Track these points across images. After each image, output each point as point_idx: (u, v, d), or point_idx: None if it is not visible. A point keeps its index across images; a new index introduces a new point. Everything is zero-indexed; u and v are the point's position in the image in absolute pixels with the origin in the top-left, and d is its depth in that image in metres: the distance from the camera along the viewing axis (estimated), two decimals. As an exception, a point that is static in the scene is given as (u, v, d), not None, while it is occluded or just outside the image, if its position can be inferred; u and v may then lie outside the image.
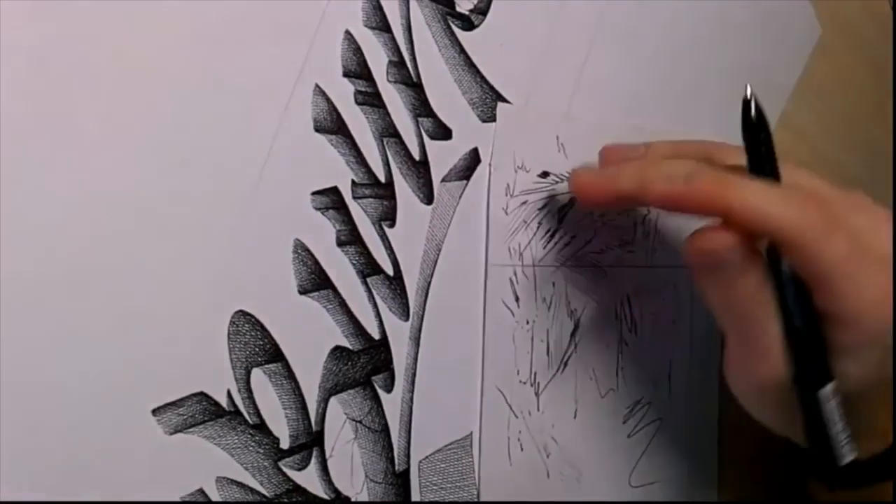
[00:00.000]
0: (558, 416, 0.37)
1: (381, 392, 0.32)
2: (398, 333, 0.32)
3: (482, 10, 0.34)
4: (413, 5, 0.32)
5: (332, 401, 0.31)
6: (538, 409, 0.36)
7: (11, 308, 0.23)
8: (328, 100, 0.30)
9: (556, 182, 0.37)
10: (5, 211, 0.23)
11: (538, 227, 0.36)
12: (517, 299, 0.35)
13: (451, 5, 0.33)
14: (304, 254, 0.30)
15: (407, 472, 0.33)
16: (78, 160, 0.25)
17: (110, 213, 0.25)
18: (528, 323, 0.36)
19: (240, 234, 0.28)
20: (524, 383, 0.35)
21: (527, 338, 0.35)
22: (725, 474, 0.45)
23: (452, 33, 0.33)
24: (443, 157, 0.34)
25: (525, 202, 0.36)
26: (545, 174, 0.36)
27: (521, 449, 0.35)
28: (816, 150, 0.53)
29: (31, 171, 0.24)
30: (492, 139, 0.35)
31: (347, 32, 0.31)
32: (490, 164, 0.35)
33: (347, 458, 0.31)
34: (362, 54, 0.31)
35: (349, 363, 0.31)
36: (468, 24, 0.34)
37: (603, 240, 0.38)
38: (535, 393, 0.36)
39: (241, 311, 0.28)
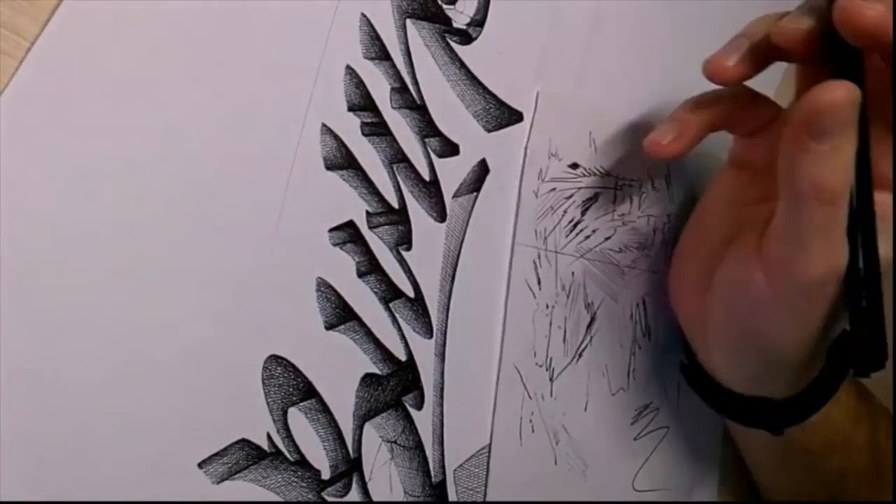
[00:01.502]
0: (570, 405, 0.38)
1: (412, 410, 0.33)
2: (424, 351, 0.34)
3: (479, 22, 0.34)
4: (411, 29, 0.32)
5: (367, 426, 0.32)
6: (551, 395, 0.38)
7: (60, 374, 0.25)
8: (336, 136, 0.31)
9: (584, 175, 0.38)
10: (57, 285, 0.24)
11: (563, 216, 0.38)
12: (539, 282, 0.37)
13: (448, 22, 0.33)
14: (327, 290, 0.31)
15: (443, 482, 0.34)
16: (99, 219, 0.25)
17: (134, 271, 0.26)
18: (547, 307, 0.37)
19: (263, 279, 0.30)
20: (540, 366, 0.37)
21: (545, 322, 0.37)
22: (726, 488, 0.47)
23: (452, 50, 0.34)
24: (452, 173, 0.35)
25: (554, 189, 0.38)
26: (575, 165, 0.38)
27: (533, 430, 0.37)
28: None
29: (67, 233, 0.25)
30: (528, 124, 0.37)
31: (349, 67, 0.31)
32: (526, 147, 0.37)
33: (386, 479, 0.33)
34: (365, 87, 0.31)
35: (380, 388, 0.32)
36: (466, 38, 0.34)
37: (621, 239, 0.40)
38: (550, 378, 0.38)
39: (272, 355, 0.30)
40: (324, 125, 0.31)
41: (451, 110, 0.34)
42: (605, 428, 0.40)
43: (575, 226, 0.38)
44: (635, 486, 0.40)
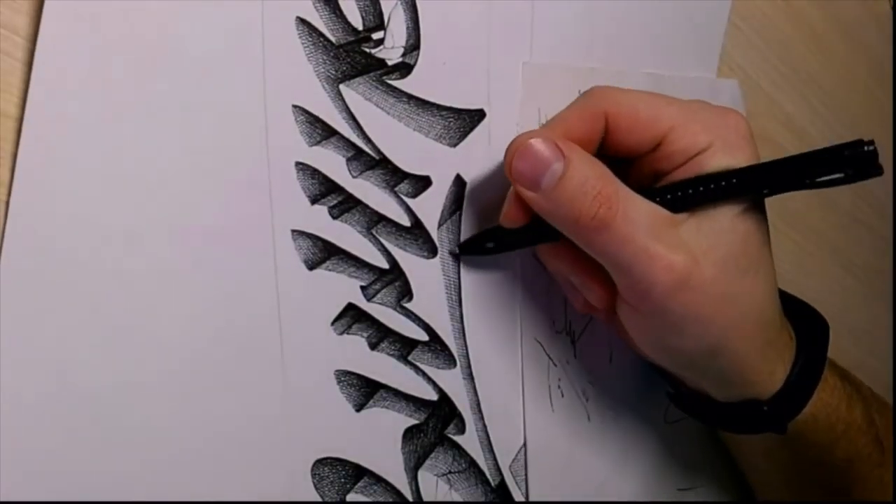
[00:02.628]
0: (595, 362, 0.40)
1: (456, 438, 0.35)
2: (452, 381, 0.35)
3: (413, 46, 0.32)
4: (346, 92, 0.31)
5: (420, 472, 0.34)
6: (575, 357, 0.39)
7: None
8: (308, 235, 0.30)
9: None
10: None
11: None
12: None
13: (382, 64, 0.31)
14: (348, 378, 0.32)
15: (502, 482, 0.37)
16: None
17: (176, 392, 0.28)
18: None
19: (286, 392, 0.30)
20: (560, 333, 0.39)
21: (558, 291, 0.38)
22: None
23: (394, 88, 0.32)
24: (431, 206, 0.34)
25: None
26: None
27: (562, 395, 0.39)
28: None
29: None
30: (517, 102, 0.36)
31: (298, 164, 0.30)
32: (517, 123, 0.36)
33: (452, 505, 0.35)
34: (320, 173, 0.30)
35: (422, 435, 0.34)
36: (405, 68, 0.32)
37: None
38: (572, 341, 0.39)
39: (317, 460, 0.31)
40: (293, 231, 0.30)
41: (412, 147, 0.33)
42: (632, 373, 0.42)
43: None
44: (667, 418, 0.42)
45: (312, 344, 0.31)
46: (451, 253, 0.35)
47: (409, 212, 0.33)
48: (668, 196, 0.32)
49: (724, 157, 0.32)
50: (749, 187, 0.32)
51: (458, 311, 0.35)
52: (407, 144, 0.33)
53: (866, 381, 0.41)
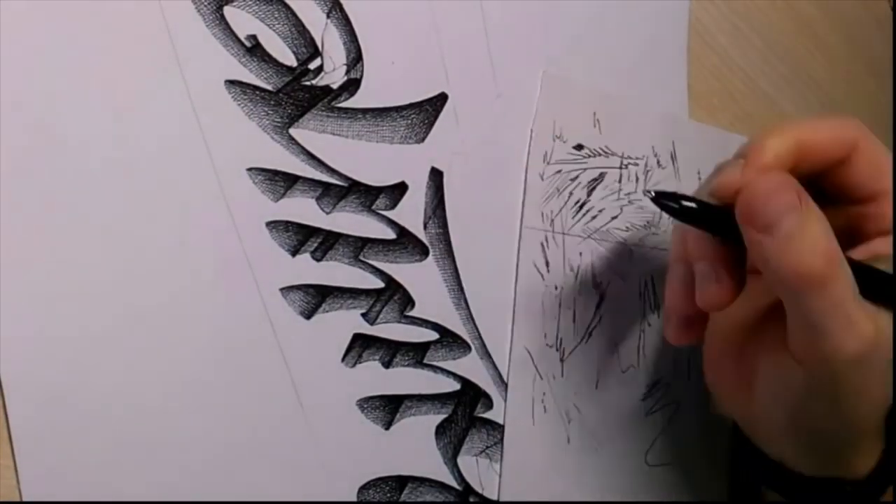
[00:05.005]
0: (581, 384, 0.40)
1: (487, 414, 0.35)
2: (471, 366, 0.35)
3: (355, 59, 0.30)
4: (297, 133, 0.29)
5: (459, 458, 0.35)
6: (562, 375, 0.39)
7: None
8: (299, 287, 0.30)
9: (589, 156, 0.38)
10: None
11: (569, 197, 0.37)
12: (547, 264, 0.37)
13: (328, 90, 0.29)
14: (370, 403, 0.32)
15: (538, 438, 0.37)
16: None
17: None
18: (556, 289, 0.38)
19: (317, 439, 0.31)
20: (550, 347, 0.38)
21: (555, 303, 0.38)
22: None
23: (347, 110, 0.30)
24: (413, 210, 0.33)
25: (559, 171, 0.37)
26: (580, 147, 0.37)
27: (545, 410, 0.39)
28: None
29: None
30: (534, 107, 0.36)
31: (269, 223, 0.28)
32: (532, 130, 0.37)
33: (495, 477, 0.36)
34: (293, 224, 0.29)
35: (453, 426, 0.34)
36: (353, 85, 0.30)
37: (628, 218, 0.39)
38: (561, 358, 0.39)
39: (360, 487, 0.32)
40: (281, 289, 0.29)
41: (379, 161, 0.32)
42: (617, 405, 0.41)
43: (581, 206, 0.38)
44: (648, 461, 0.41)
45: (327, 385, 0.31)
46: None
47: (392, 224, 0.32)
48: (871, 278, 0.31)
49: None
50: None
51: (461, 299, 0.35)
52: (373, 160, 0.31)
53: None
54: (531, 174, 0.36)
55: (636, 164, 0.40)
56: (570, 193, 0.38)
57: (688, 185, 0.42)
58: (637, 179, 0.40)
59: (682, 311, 0.35)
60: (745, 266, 0.33)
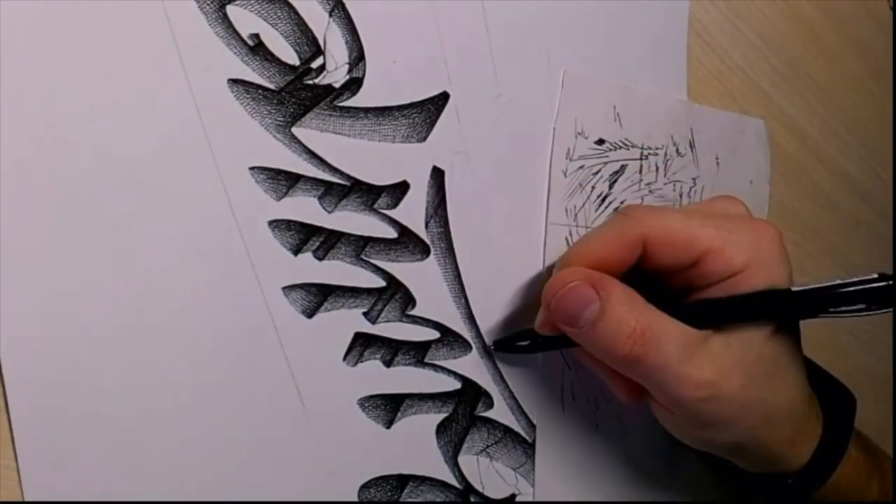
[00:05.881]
0: None
1: (487, 413, 0.35)
2: (471, 365, 0.35)
3: (358, 58, 0.30)
4: (300, 132, 0.28)
5: (460, 457, 0.35)
6: None
7: None
8: (300, 286, 0.29)
9: (610, 149, 0.38)
10: None
11: (592, 191, 0.38)
12: None
13: (330, 89, 0.29)
14: (372, 402, 0.32)
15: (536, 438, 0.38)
16: None
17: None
18: None
19: (318, 438, 0.31)
20: None
21: None
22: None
23: (349, 109, 0.30)
24: (414, 209, 0.33)
25: (582, 166, 0.38)
26: (601, 141, 0.38)
27: (574, 399, 0.40)
28: (816, 150, 0.49)
29: None
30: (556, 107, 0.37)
31: (272, 222, 0.28)
32: (554, 128, 0.37)
33: (496, 476, 0.36)
34: (295, 223, 0.29)
35: (454, 424, 0.34)
36: (355, 84, 0.30)
37: None
38: None
39: (361, 486, 0.32)
40: (283, 288, 0.29)
41: (381, 160, 0.32)
42: None
43: (604, 199, 0.38)
44: (673, 441, 0.42)
45: (329, 385, 0.31)
46: (486, 350, 0.35)
47: (394, 223, 0.32)
48: (700, 314, 0.33)
49: (759, 278, 0.33)
50: (777, 312, 0.34)
51: (462, 298, 0.35)
52: (375, 159, 0.31)
53: (866, 382, 0.42)
54: (555, 171, 0.37)
55: (656, 154, 0.40)
56: (593, 187, 0.38)
57: (706, 170, 0.43)
58: (657, 169, 0.40)
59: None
60: None
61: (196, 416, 0.28)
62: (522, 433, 0.38)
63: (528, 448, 0.38)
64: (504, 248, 0.36)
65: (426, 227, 0.33)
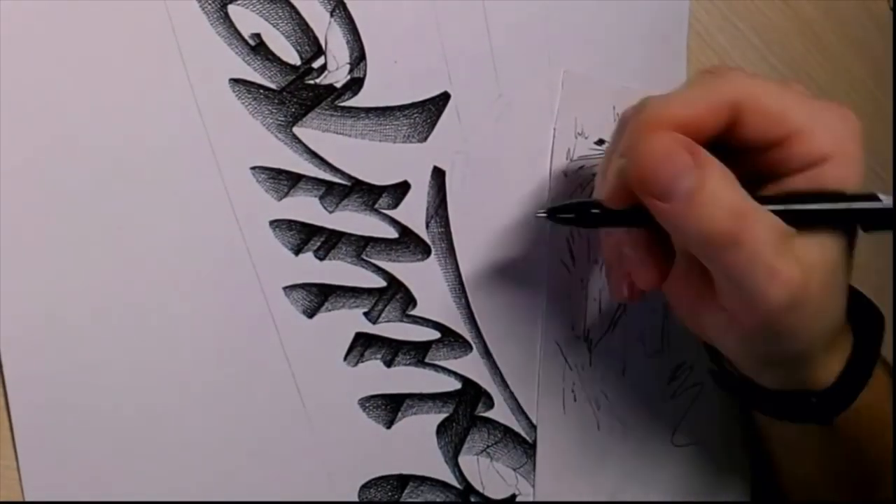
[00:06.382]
0: (608, 372, 0.40)
1: (487, 414, 0.35)
2: (472, 365, 0.35)
3: (359, 58, 0.29)
4: (301, 132, 0.29)
5: (460, 458, 0.35)
6: (590, 364, 0.39)
7: None
8: (301, 286, 0.30)
9: None
10: None
11: (592, 192, 0.38)
12: (573, 258, 0.37)
13: (331, 89, 0.29)
14: (372, 402, 0.32)
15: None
16: None
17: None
18: (582, 282, 0.38)
19: (318, 437, 0.31)
20: (579, 338, 0.39)
21: (581, 296, 0.38)
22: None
23: (350, 109, 0.30)
24: (415, 209, 0.33)
25: (582, 167, 0.37)
26: (601, 142, 0.38)
27: (575, 399, 0.39)
28: None
29: None
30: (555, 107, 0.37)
31: (272, 222, 0.28)
32: (554, 129, 0.37)
33: (496, 476, 0.36)
34: (296, 223, 0.29)
35: (454, 424, 0.34)
36: (356, 84, 0.30)
37: None
38: (588, 349, 0.39)
39: (362, 486, 0.32)
40: (284, 288, 0.29)
41: (382, 160, 0.32)
42: (643, 390, 0.42)
43: None
44: (674, 441, 0.42)
45: (330, 384, 0.31)
46: (537, 216, 0.32)
47: (395, 223, 0.32)
48: (790, 212, 0.30)
49: (842, 170, 0.31)
50: (867, 222, 0.31)
51: (463, 298, 0.35)
52: (376, 159, 0.31)
53: None
54: (555, 172, 0.37)
55: None
56: (594, 188, 0.38)
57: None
58: None
59: (622, 296, 0.35)
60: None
61: (196, 416, 0.28)
62: (523, 433, 0.38)
63: (529, 448, 0.38)
64: (504, 248, 0.36)
65: (427, 227, 0.33)
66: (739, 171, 0.30)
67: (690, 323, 0.35)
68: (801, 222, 0.30)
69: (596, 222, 0.33)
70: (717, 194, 0.28)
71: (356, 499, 0.32)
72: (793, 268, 0.29)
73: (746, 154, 0.31)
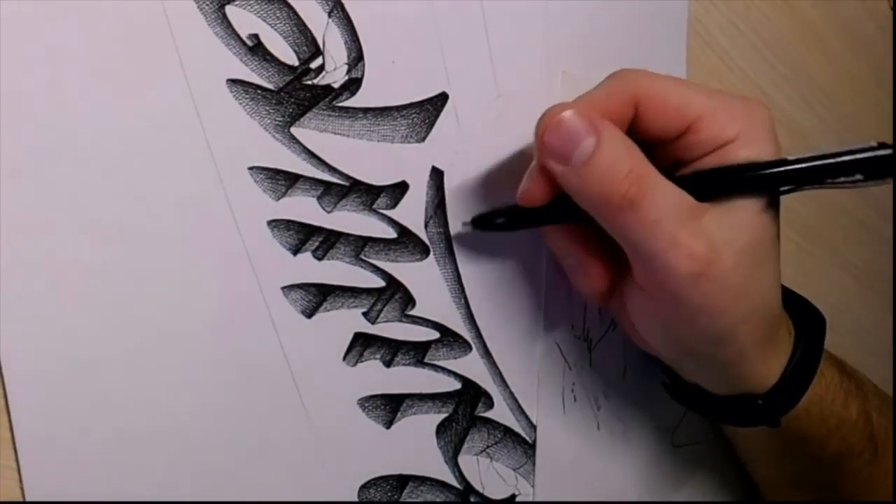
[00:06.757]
0: (608, 372, 0.40)
1: (487, 414, 0.35)
2: (471, 365, 0.36)
3: (357, 58, 0.30)
4: (299, 132, 0.29)
5: (460, 458, 0.35)
6: (590, 365, 0.40)
7: None
8: (300, 286, 0.30)
9: None
10: None
11: None
12: None
13: (329, 89, 0.29)
14: (371, 402, 0.32)
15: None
16: None
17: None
18: None
19: (318, 438, 0.31)
20: (578, 338, 0.39)
21: (581, 296, 0.38)
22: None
23: (348, 109, 0.30)
24: (414, 209, 0.33)
25: None
26: None
27: (575, 400, 0.39)
28: (817, 151, 0.47)
29: None
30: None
31: (271, 222, 0.28)
32: None
33: (496, 476, 0.36)
34: (294, 223, 0.30)
35: (454, 424, 0.35)
36: (354, 84, 0.30)
37: None
38: (588, 349, 0.39)
39: (361, 486, 0.32)
40: (283, 288, 0.29)
41: (380, 160, 0.32)
42: (643, 390, 0.42)
43: None
44: (674, 442, 0.42)
45: (329, 385, 0.31)
46: (464, 225, 0.34)
47: (393, 223, 0.32)
48: (695, 184, 0.31)
49: (750, 149, 0.32)
50: (774, 182, 0.31)
51: (462, 298, 0.35)
52: (375, 159, 0.31)
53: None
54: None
55: None
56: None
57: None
58: None
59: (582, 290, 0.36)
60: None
61: (196, 416, 0.28)
62: (523, 433, 0.38)
63: (529, 448, 0.38)
64: (504, 248, 0.36)
65: (425, 227, 0.33)
66: (656, 163, 0.31)
67: (628, 327, 0.36)
68: (709, 196, 0.31)
69: (517, 225, 0.34)
70: (614, 157, 0.30)
71: (356, 499, 0.32)
72: (698, 241, 0.30)
73: (659, 147, 0.33)
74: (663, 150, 0.33)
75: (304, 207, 0.30)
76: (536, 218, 0.34)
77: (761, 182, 0.31)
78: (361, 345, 0.32)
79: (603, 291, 0.35)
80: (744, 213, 0.31)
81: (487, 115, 0.35)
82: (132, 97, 0.26)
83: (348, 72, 0.30)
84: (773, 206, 0.33)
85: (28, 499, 0.25)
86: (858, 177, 0.30)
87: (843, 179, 0.31)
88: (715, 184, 0.32)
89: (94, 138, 0.25)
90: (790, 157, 0.31)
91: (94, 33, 0.25)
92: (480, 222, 0.34)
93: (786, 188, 0.32)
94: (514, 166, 0.36)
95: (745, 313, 0.32)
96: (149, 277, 0.27)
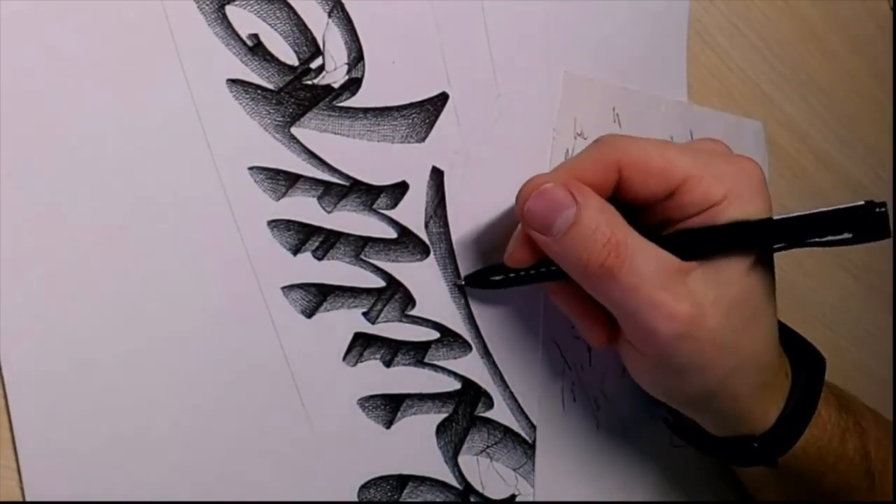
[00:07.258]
0: (608, 372, 0.40)
1: (487, 414, 0.35)
2: (471, 365, 0.36)
3: (357, 59, 0.30)
4: (300, 132, 0.29)
5: (460, 458, 0.35)
6: (590, 365, 0.40)
7: None
8: (300, 286, 0.30)
9: None
10: None
11: None
12: None
13: (329, 89, 0.29)
14: (372, 402, 0.32)
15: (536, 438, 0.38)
16: None
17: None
18: None
19: (318, 438, 0.31)
20: (578, 338, 0.39)
21: None
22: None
23: (348, 109, 0.30)
24: (414, 209, 0.33)
25: None
26: None
27: (574, 399, 0.39)
28: (817, 150, 0.49)
29: None
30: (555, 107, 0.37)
31: (271, 222, 0.29)
32: (553, 129, 0.37)
33: (496, 476, 0.36)
34: (295, 222, 0.29)
35: (454, 424, 0.35)
36: (354, 84, 0.30)
37: None
38: (588, 348, 0.40)
39: (361, 486, 0.32)
40: (283, 288, 0.29)
41: (381, 160, 0.32)
42: (642, 392, 0.41)
43: None
44: (674, 442, 0.42)
45: (329, 385, 0.31)
46: (457, 286, 0.35)
47: (393, 223, 0.32)
48: (679, 244, 0.32)
49: (738, 209, 0.32)
50: (758, 241, 0.32)
51: (462, 298, 0.35)
52: (375, 159, 0.31)
53: (866, 382, 0.41)
54: None
55: None
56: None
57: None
58: None
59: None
60: None
61: (196, 416, 0.28)
62: (522, 433, 0.38)
63: (529, 448, 0.38)
64: (504, 248, 0.36)
65: (426, 227, 0.33)
66: (645, 222, 0.32)
67: (633, 372, 0.36)
68: (696, 255, 0.32)
69: (512, 283, 0.34)
70: (593, 227, 0.31)
71: (356, 499, 0.32)
72: (680, 301, 0.31)
73: (648, 206, 0.33)
74: (652, 209, 0.33)
75: (304, 207, 0.30)
76: (529, 277, 0.34)
77: (746, 241, 0.32)
78: (361, 345, 0.32)
79: (603, 341, 0.35)
80: (731, 271, 0.32)
81: (488, 114, 0.35)
82: (132, 97, 0.26)
83: (348, 72, 0.30)
84: (764, 263, 0.33)
85: (28, 499, 0.25)
86: (847, 235, 0.30)
87: (830, 238, 0.31)
88: (700, 243, 0.32)
89: (94, 138, 0.26)
90: (775, 217, 0.32)
91: (94, 33, 0.25)
92: (475, 280, 0.35)
93: (779, 246, 0.32)
94: (515, 166, 0.36)
95: (734, 368, 0.33)
96: (149, 277, 0.27)
